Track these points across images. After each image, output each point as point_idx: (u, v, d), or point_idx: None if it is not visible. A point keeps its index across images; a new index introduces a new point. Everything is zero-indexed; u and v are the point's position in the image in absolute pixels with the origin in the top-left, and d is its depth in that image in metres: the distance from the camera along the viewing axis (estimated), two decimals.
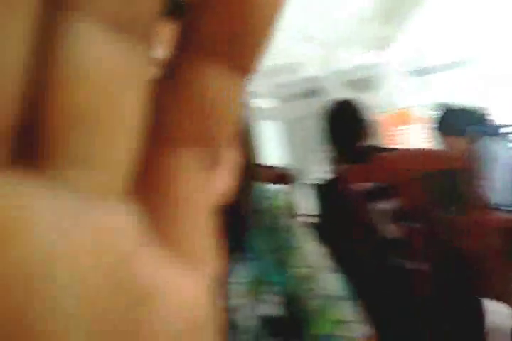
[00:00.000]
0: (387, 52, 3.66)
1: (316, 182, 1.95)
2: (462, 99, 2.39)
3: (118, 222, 0.10)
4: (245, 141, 0.58)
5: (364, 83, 3.68)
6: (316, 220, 1.62)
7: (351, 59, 3.71)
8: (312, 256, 0.62)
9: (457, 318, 1.26)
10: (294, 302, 0.59)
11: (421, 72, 3.66)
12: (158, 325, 0.10)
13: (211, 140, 0.11)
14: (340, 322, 0.60)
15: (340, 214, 1.28)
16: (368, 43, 3.66)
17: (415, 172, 1.24)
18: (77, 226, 0.09)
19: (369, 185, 1.39)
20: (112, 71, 0.09)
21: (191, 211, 0.12)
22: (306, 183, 2.05)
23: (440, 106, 2.23)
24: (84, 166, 0.10)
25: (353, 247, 1.26)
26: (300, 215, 2.05)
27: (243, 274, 0.58)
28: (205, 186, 0.12)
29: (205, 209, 0.12)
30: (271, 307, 0.58)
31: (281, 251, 0.61)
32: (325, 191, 1.55)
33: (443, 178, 1.40)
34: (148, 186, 0.11)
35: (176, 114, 0.11)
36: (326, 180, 1.61)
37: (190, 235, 0.12)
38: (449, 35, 3.39)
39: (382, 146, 1.64)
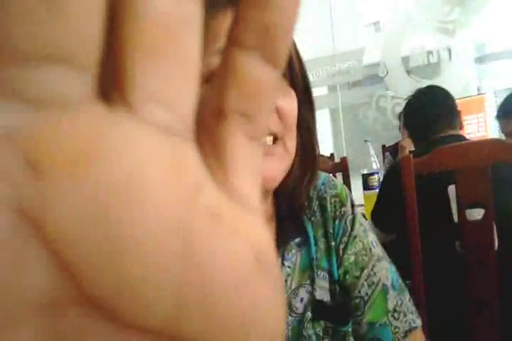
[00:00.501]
0: (453, 37, 3.54)
1: (366, 171, 1.94)
2: None
3: (191, 157, 0.12)
4: (307, 130, 0.58)
5: (428, 69, 3.59)
6: (375, 208, 1.61)
7: (415, 44, 3.62)
8: (367, 244, 0.62)
9: None
10: (343, 288, 0.60)
11: (487, 58, 3.52)
12: (223, 251, 0.11)
13: (252, 115, 0.13)
14: (394, 311, 0.60)
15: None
16: (433, 29, 3.56)
17: (479, 163, 1.22)
18: (163, 158, 0.11)
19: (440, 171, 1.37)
20: (173, 17, 0.11)
21: (241, 162, 0.13)
22: (357, 172, 2.04)
23: (506, 92, 2.17)
24: (154, 102, 0.11)
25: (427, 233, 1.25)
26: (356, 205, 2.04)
27: (294, 258, 0.59)
28: (252, 150, 0.13)
29: (253, 164, 0.13)
30: (320, 292, 0.59)
31: (334, 239, 0.61)
32: (392, 179, 1.51)
33: (508, 168, 1.37)
34: (201, 137, 0.13)
35: (223, 89, 0.13)
36: (393, 169, 1.54)
37: (241, 184, 0.13)
38: None
39: (461, 135, 1.57)
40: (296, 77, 0.54)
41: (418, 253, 1.24)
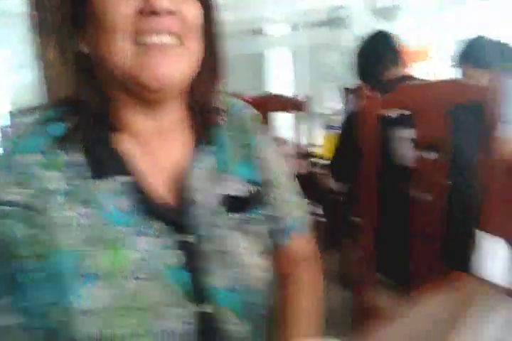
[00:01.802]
0: None
1: (327, 111, 1.95)
2: (492, 33, 2.31)
3: None
4: (210, 39, 0.64)
5: (390, 12, 3.55)
6: (333, 161, 1.65)
7: None
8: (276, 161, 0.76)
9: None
10: (264, 187, 0.71)
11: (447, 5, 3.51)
12: None
13: None
14: (305, 207, 0.80)
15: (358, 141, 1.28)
16: None
17: (440, 103, 1.23)
18: None
19: (392, 112, 1.38)
20: None
21: None
22: (317, 112, 2.04)
23: (468, 38, 2.17)
24: None
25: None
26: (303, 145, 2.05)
27: (207, 161, 0.66)
28: None
29: None
30: (232, 189, 0.67)
31: (255, 149, 0.71)
32: (349, 120, 1.53)
33: (467, 110, 1.39)
34: None
35: None
36: (351, 110, 1.59)
37: None
38: None
39: (412, 76, 1.63)
40: None
41: (373, 193, 1.27)
